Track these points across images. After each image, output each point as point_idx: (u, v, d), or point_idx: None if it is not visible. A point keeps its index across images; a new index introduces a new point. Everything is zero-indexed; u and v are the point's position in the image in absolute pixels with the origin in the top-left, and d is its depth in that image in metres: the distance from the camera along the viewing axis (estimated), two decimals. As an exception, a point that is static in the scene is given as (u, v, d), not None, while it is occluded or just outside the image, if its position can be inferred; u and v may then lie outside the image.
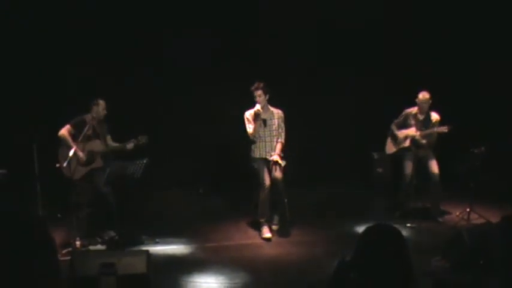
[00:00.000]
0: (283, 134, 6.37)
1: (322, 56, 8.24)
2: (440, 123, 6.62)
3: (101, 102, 5.95)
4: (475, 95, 8.10)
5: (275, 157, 6.20)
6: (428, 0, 8.32)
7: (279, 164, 6.18)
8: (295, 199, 6.68)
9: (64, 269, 4.19)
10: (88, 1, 7.55)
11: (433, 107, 6.75)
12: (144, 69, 7.73)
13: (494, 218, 6.12)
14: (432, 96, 6.71)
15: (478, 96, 8.12)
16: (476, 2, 8.14)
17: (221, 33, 7.96)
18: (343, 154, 8.44)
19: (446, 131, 6.41)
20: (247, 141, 6.37)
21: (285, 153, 6.39)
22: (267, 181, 6.18)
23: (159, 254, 5.59)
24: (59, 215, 6.58)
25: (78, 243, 5.66)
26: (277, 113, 6.37)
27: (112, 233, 5.92)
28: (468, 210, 6.61)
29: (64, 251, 5.34)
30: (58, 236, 5.62)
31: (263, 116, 6.27)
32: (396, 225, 2.33)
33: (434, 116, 6.72)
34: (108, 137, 6.16)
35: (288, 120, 6.45)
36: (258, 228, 6.33)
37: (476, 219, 6.56)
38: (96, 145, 5.99)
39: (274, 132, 6.31)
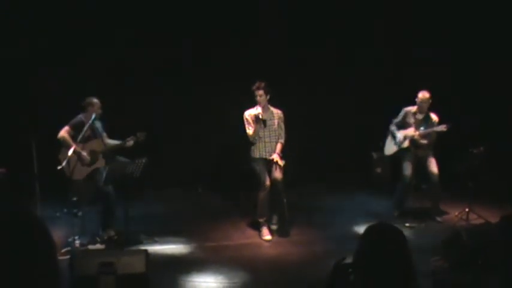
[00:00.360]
0: (283, 134, 6.36)
1: (322, 56, 8.24)
2: (439, 123, 6.61)
3: (96, 102, 5.93)
4: (475, 95, 8.10)
5: (275, 156, 6.20)
6: (428, 0, 8.32)
7: (279, 164, 6.18)
8: (295, 199, 6.68)
9: (63, 268, 4.21)
10: (88, 1, 7.55)
11: (433, 106, 6.75)
12: (145, 69, 7.74)
13: (493, 218, 6.12)
14: (432, 96, 6.70)
15: (477, 96, 8.12)
16: (476, 2, 8.14)
17: (221, 33, 7.96)
18: (342, 154, 8.44)
19: (445, 129, 6.40)
20: (247, 141, 6.37)
21: (285, 153, 6.39)
22: (267, 181, 6.17)
23: (158, 254, 5.58)
24: (57, 214, 6.57)
25: (77, 242, 5.65)
26: (276, 113, 6.36)
27: (111, 233, 5.91)
28: (467, 210, 6.61)
29: (63, 251, 5.34)
30: (57, 236, 5.62)
31: (263, 116, 6.27)
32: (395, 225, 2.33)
33: (433, 117, 6.72)
34: (104, 135, 6.15)
35: (288, 120, 6.45)
36: (257, 228, 6.33)
37: (475, 219, 6.56)
38: (97, 144, 5.99)
39: (274, 132, 6.30)
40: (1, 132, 7.21)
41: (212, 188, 8.24)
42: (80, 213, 6.08)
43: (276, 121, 6.32)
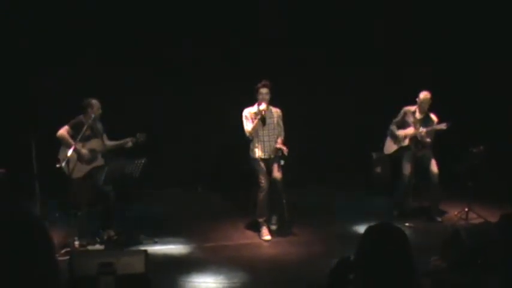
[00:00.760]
0: (282, 132, 6.38)
1: (322, 56, 8.24)
2: (438, 123, 6.61)
3: (95, 103, 5.93)
4: (475, 95, 8.10)
5: (279, 145, 6.18)
6: (428, 0, 8.32)
7: (282, 152, 6.14)
8: (295, 199, 6.68)
9: (63, 269, 4.21)
10: (88, 1, 7.56)
11: (433, 106, 6.74)
12: (144, 69, 7.74)
13: (493, 218, 6.11)
14: (432, 97, 6.70)
15: (477, 96, 8.12)
16: (476, 2, 8.14)
17: (221, 33, 7.97)
18: (343, 154, 8.44)
19: (445, 128, 6.40)
20: (247, 141, 6.37)
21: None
22: (266, 181, 6.17)
23: (158, 254, 5.59)
24: (57, 215, 6.58)
25: (76, 243, 5.65)
26: (275, 111, 6.37)
27: (111, 233, 5.91)
28: (467, 209, 6.61)
29: (63, 251, 5.34)
30: (57, 236, 5.63)
31: (264, 114, 6.27)
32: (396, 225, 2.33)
33: (433, 117, 6.72)
34: (104, 136, 6.15)
35: (288, 120, 6.45)
36: (256, 228, 6.33)
37: (474, 218, 6.57)
38: (96, 144, 5.99)
39: (273, 131, 6.31)
40: (1, 133, 7.21)
41: (212, 188, 8.24)
42: (79, 214, 6.08)
43: (275, 120, 6.33)
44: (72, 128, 5.86)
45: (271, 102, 6.35)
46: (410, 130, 6.75)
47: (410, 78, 7.79)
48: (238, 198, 7.43)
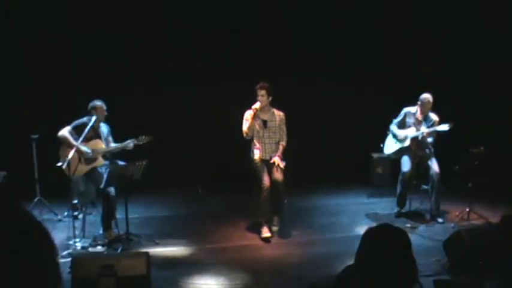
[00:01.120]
0: (284, 137, 6.37)
1: (322, 56, 8.24)
2: (439, 123, 6.60)
3: (100, 105, 5.93)
4: (475, 95, 8.10)
5: (275, 159, 6.21)
6: (428, 0, 8.31)
7: (279, 166, 6.18)
8: (295, 200, 6.68)
9: (64, 271, 4.21)
10: (88, 1, 7.56)
11: (433, 106, 6.73)
12: (144, 69, 7.74)
13: (494, 218, 6.12)
14: (433, 98, 6.68)
15: (478, 96, 8.11)
16: (476, 2, 8.14)
17: (221, 33, 7.96)
18: (343, 154, 8.44)
19: (447, 128, 6.39)
20: (247, 141, 6.37)
21: (285, 153, 6.38)
22: (267, 182, 6.17)
23: (159, 256, 5.58)
24: (58, 217, 6.58)
25: (77, 245, 5.65)
26: (278, 114, 6.37)
27: (112, 235, 5.90)
28: (468, 210, 6.60)
29: (64, 253, 5.32)
30: (58, 238, 5.62)
31: (264, 117, 6.27)
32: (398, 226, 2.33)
33: (434, 117, 6.71)
34: (110, 139, 6.15)
35: (288, 121, 6.45)
36: (257, 229, 6.31)
37: (476, 219, 6.56)
38: (98, 144, 5.99)
39: (274, 134, 6.31)
40: (1, 133, 7.21)
41: (212, 188, 8.23)
42: (80, 216, 6.08)
43: (277, 123, 6.32)
44: (74, 128, 5.85)
45: (273, 105, 6.35)
46: (411, 131, 6.74)
47: (410, 78, 7.80)
48: (238, 199, 7.42)
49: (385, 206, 7.24)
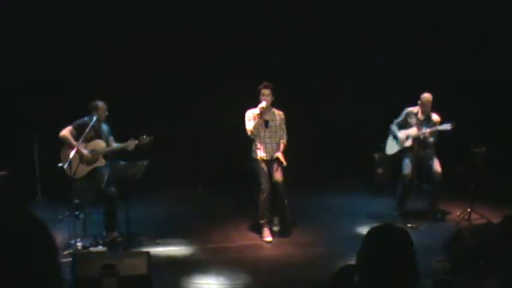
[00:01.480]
0: (284, 135, 6.38)
1: (322, 56, 8.24)
2: (441, 123, 6.60)
3: (101, 105, 5.94)
4: (476, 95, 8.10)
5: (278, 154, 6.21)
6: (428, 0, 8.32)
7: (281, 162, 6.17)
8: (296, 200, 6.68)
9: (65, 270, 4.21)
10: (88, 1, 7.56)
11: (434, 107, 6.74)
12: (144, 69, 7.74)
13: (495, 218, 6.12)
14: (433, 98, 6.69)
15: (479, 97, 8.11)
16: (476, 2, 8.14)
17: (221, 34, 7.96)
18: (343, 154, 8.44)
19: (449, 128, 6.39)
20: (248, 141, 6.37)
21: (286, 153, 6.39)
22: (267, 182, 6.17)
23: (160, 255, 5.59)
24: (59, 217, 6.58)
25: (79, 244, 5.65)
26: (278, 114, 6.38)
27: (113, 234, 5.91)
28: (469, 210, 6.60)
29: (65, 253, 5.33)
30: (59, 238, 5.62)
31: (266, 117, 6.27)
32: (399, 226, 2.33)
33: (435, 117, 6.72)
34: (111, 138, 6.16)
35: (288, 120, 6.46)
36: (258, 229, 6.32)
37: (477, 219, 6.56)
38: (99, 145, 5.99)
39: (275, 133, 6.32)
40: (1, 133, 7.21)
41: (213, 188, 8.23)
42: (81, 215, 6.09)
43: (277, 122, 6.33)
44: (75, 128, 5.86)
45: (275, 106, 6.36)
46: (413, 131, 6.74)
47: (410, 78, 7.80)
48: (239, 199, 7.42)
49: (386, 207, 7.23)
